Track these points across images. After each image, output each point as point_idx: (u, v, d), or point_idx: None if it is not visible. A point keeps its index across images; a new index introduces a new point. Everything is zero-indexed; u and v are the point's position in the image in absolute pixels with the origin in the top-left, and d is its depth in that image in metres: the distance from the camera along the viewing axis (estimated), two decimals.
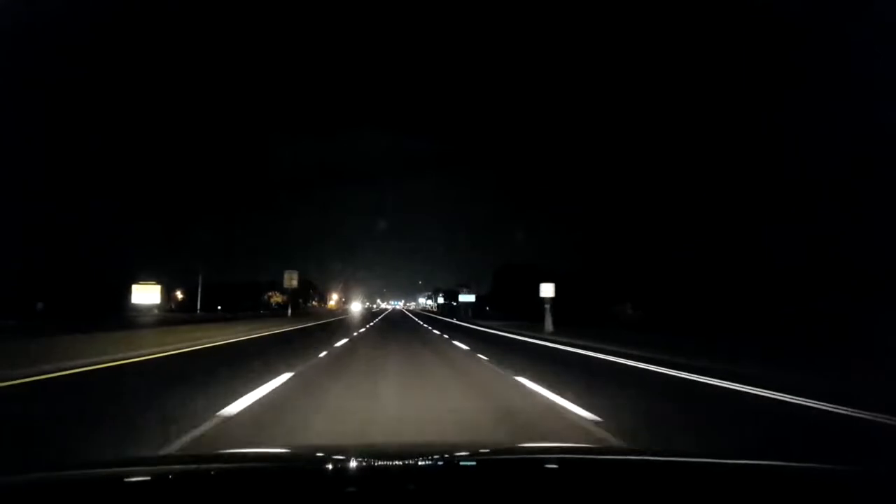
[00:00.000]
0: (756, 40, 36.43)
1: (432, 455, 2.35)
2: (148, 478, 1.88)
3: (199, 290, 48.19)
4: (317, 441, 4.73)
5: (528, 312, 49.82)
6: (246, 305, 75.43)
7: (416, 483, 1.76)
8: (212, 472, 1.95)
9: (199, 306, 48.20)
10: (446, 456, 2.34)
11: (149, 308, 48.67)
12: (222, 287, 73.96)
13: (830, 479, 1.83)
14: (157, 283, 51.33)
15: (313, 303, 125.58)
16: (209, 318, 37.14)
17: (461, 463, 2.25)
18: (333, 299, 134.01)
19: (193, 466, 2.12)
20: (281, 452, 2.99)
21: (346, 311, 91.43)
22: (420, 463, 2.13)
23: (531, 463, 2.30)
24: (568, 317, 33.56)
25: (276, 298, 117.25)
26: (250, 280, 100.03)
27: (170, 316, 44.32)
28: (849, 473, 1.96)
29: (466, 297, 73.44)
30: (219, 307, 50.43)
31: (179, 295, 70.43)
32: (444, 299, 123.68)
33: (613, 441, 4.92)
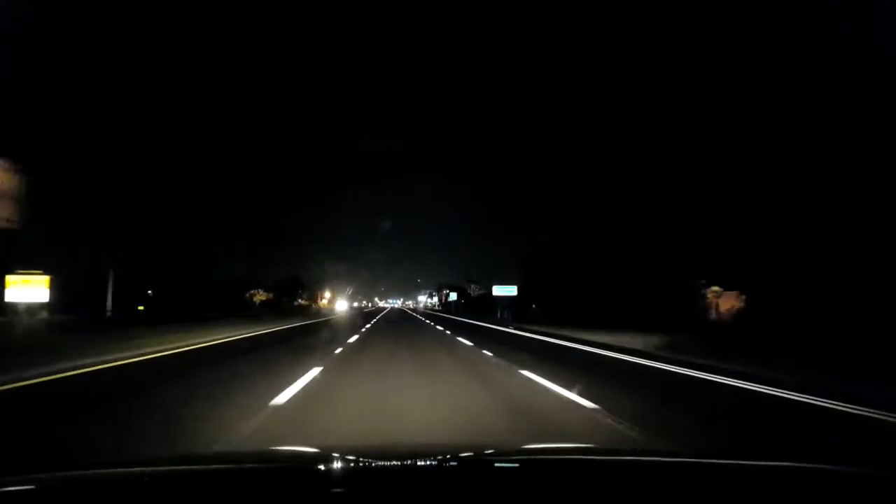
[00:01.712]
0: None
1: (435, 456, 2.27)
2: (140, 479, 1.80)
3: (110, 286, 31.93)
4: None
5: (600, 313, 32.09)
6: (214, 305, 64.90)
7: (416, 484, 1.68)
8: (206, 473, 1.91)
9: (109, 306, 31.88)
10: (448, 457, 2.26)
11: (33, 309, 32.18)
12: (210, 286, 68.29)
13: (832, 479, 1.77)
14: (43, 272, 33.73)
15: (301, 301, 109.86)
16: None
17: (464, 464, 2.14)
18: (326, 297, 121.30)
19: (188, 468, 2.09)
20: (283, 451, 2.98)
21: (331, 312, 75.93)
22: (420, 464, 2.06)
23: (535, 464, 2.21)
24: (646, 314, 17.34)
25: (260, 297, 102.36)
26: (239, 278, 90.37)
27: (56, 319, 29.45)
28: (850, 474, 1.85)
29: (504, 291, 52.34)
30: (140, 307, 35.57)
31: (150, 293, 62.50)
32: (457, 297, 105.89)
33: None
